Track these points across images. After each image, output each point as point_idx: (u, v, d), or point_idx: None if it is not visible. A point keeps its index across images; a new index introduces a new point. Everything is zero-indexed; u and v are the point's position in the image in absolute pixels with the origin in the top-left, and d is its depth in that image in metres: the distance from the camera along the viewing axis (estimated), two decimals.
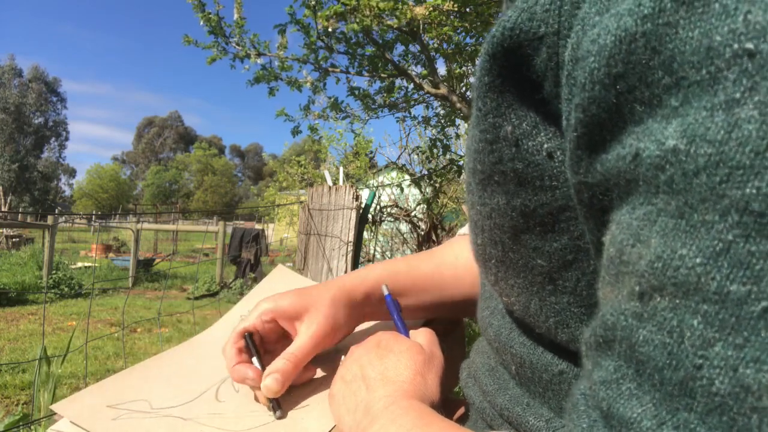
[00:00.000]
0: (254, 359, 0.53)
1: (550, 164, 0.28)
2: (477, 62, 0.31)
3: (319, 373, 0.56)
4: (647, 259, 0.19)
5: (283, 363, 0.51)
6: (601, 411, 0.20)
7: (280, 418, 0.50)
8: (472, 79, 3.60)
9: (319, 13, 2.79)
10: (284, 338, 0.56)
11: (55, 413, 0.50)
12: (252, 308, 0.56)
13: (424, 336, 0.51)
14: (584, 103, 0.22)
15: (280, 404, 0.51)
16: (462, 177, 3.94)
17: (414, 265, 0.61)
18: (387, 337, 0.50)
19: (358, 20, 2.63)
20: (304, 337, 0.53)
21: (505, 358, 0.40)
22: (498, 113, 0.29)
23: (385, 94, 3.63)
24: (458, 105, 3.18)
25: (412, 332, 0.53)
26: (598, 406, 0.21)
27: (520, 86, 0.28)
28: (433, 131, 3.95)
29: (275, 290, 0.77)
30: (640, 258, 0.19)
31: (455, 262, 0.61)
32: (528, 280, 0.33)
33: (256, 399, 0.54)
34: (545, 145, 0.28)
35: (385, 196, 3.79)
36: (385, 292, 0.56)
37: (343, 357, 0.51)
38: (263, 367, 0.52)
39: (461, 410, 0.54)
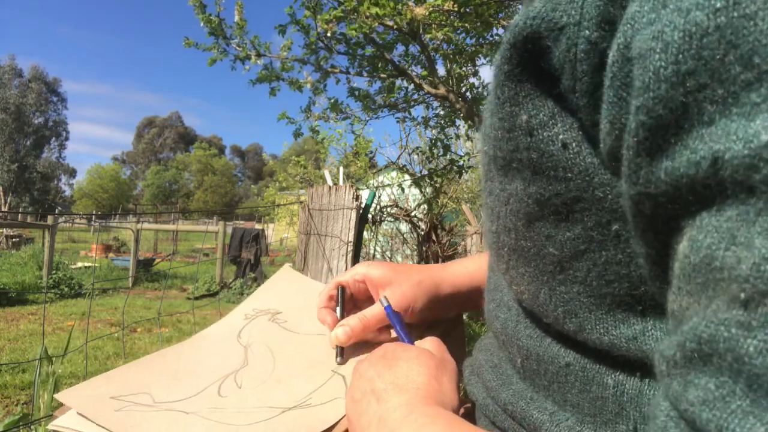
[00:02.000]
0: (338, 308, 0.61)
1: (564, 155, 0.28)
2: (498, 52, 0.31)
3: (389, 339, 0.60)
4: (750, 261, 0.17)
5: (354, 321, 0.57)
6: None
7: (340, 363, 0.57)
8: (472, 80, 3.60)
9: (318, 16, 2.80)
10: (370, 300, 0.61)
11: (54, 413, 0.51)
12: (349, 270, 0.63)
13: (431, 343, 0.49)
14: (649, 104, 0.21)
15: (344, 353, 0.58)
16: (462, 177, 3.94)
17: None
18: (392, 347, 0.47)
19: (357, 26, 2.64)
20: (379, 305, 0.57)
21: (511, 351, 0.39)
22: (515, 102, 0.29)
23: (385, 95, 3.64)
24: (458, 105, 3.18)
25: (417, 342, 0.52)
26: (704, 430, 0.18)
27: (538, 77, 0.28)
28: (433, 131, 3.96)
29: (281, 289, 0.78)
30: (740, 262, 0.18)
31: None
32: (539, 268, 0.33)
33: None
34: (560, 136, 0.28)
35: (385, 196, 3.79)
36: (385, 304, 0.56)
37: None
38: (342, 318, 0.59)
39: (461, 411, 0.55)
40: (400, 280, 0.58)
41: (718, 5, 0.18)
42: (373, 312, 0.57)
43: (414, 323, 0.60)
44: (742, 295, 0.17)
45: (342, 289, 0.61)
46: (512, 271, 0.35)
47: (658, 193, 0.22)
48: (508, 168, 0.31)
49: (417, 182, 3.62)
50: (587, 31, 0.25)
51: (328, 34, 2.88)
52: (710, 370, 0.19)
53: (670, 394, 0.21)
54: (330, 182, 2.28)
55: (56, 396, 0.50)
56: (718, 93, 0.19)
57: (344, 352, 0.58)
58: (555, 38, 0.26)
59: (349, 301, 0.62)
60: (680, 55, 0.19)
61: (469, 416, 0.47)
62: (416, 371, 0.42)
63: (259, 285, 0.80)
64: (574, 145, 0.28)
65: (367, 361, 0.46)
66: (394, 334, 0.59)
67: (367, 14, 2.54)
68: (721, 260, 0.19)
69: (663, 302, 0.24)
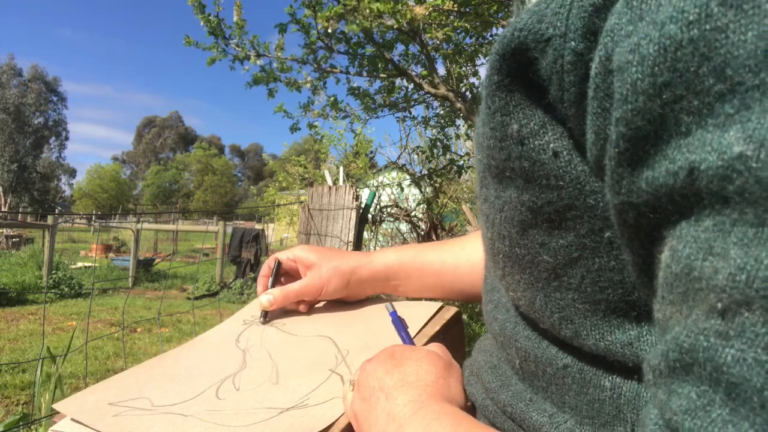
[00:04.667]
0: (270, 279, 0.71)
1: (555, 163, 0.28)
2: (487, 61, 0.31)
3: (315, 314, 0.72)
4: (726, 272, 0.18)
5: (277, 291, 0.69)
6: None
7: (263, 323, 0.69)
8: (472, 80, 3.60)
9: (319, 14, 2.79)
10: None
11: (55, 413, 0.51)
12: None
13: (437, 347, 0.51)
14: (628, 116, 0.21)
15: (267, 316, 0.70)
16: (462, 177, 3.94)
17: (421, 251, 0.69)
18: (400, 348, 0.48)
19: (357, 21, 2.63)
20: (299, 283, 0.69)
21: (509, 353, 0.40)
22: (505, 112, 0.29)
23: (385, 94, 3.64)
24: (458, 105, 3.18)
25: (423, 346, 0.52)
26: None
27: (527, 87, 0.28)
28: (433, 131, 3.96)
29: None
30: (717, 272, 0.18)
31: (459, 254, 0.66)
32: (534, 275, 0.33)
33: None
34: (551, 145, 0.28)
35: (385, 196, 3.79)
36: (390, 310, 0.60)
37: (350, 380, 0.50)
38: (272, 288, 0.70)
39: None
40: (321, 264, 0.68)
41: (691, 18, 0.19)
42: (294, 287, 0.69)
43: (332, 299, 0.72)
44: (720, 305, 0.18)
45: (278, 263, 0.72)
46: (508, 277, 0.35)
47: (640, 202, 0.22)
48: (502, 176, 0.32)
49: (417, 182, 3.62)
50: (573, 43, 0.25)
51: (329, 30, 2.87)
52: (692, 380, 0.19)
53: (657, 403, 0.21)
54: (330, 182, 2.28)
55: (54, 406, 0.50)
56: (694, 104, 0.19)
57: (268, 315, 0.70)
58: (542, 50, 0.26)
59: (287, 275, 0.73)
60: (656, 68, 0.20)
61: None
62: (425, 369, 0.44)
63: None
64: (564, 153, 0.28)
65: (375, 360, 0.47)
66: (323, 304, 0.72)
67: (368, 9, 2.54)
68: (699, 270, 0.19)
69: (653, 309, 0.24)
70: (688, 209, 0.20)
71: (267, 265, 0.73)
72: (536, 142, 0.29)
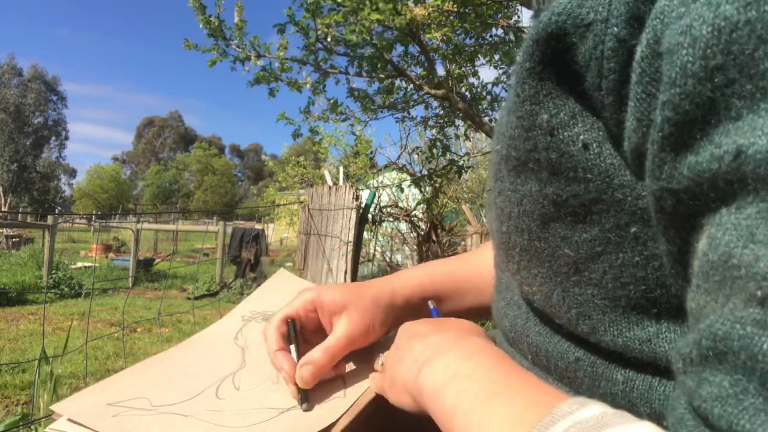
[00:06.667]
0: (292, 347, 0.53)
1: (585, 156, 0.28)
2: (521, 47, 0.30)
3: (349, 369, 0.55)
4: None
5: (318, 355, 0.50)
6: (720, 430, 0.18)
7: (306, 410, 0.50)
8: (471, 80, 3.60)
9: (318, 20, 2.81)
10: (322, 330, 0.55)
11: (53, 415, 0.50)
12: (295, 295, 0.55)
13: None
14: (675, 100, 0.21)
15: (308, 397, 0.50)
16: (462, 177, 3.95)
17: (454, 267, 0.60)
18: (436, 320, 0.47)
19: (357, 29, 2.65)
20: (339, 333, 0.52)
21: (521, 348, 0.39)
22: (535, 100, 0.29)
23: (384, 95, 3.64)
24: (457, 105, 3.18)
25: None
26: (715, 426, 0.18)
27: (560, 75, 0.28)
28: (433, 131, 3.96)
29: (278, 293, 0.77)
30: (758, 260, 0.18)
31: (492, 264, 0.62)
32: (553, 269, 0.32)
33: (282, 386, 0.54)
34: (581, 137, 0.28)
35: (385, 196, 3.80)
36: (431, 306, 0.56)
37: (380, 355, 0.49)
38: (299, 357, 0.52)
39: None
40: (354, 302, 0.53)
41: None
42: (335, 340, 0.51)
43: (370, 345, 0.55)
44: (759, 293, 0.17)
45: (293, 322, 0.54)
46: (524, 271, 0.35)
47: (680, 188, 0.21)
48: (523, 168, 0.31)
49: (417, 182, 3.62)
50: (615, 29, 0.24)
51: (328, 38, 2.89)
52: (725, 368, 0.18)
53: (686, 391, 0.21)
54: (330, 182, 2.28)
55: (52, 407, 0.50)
56: (747, 88, 0.18)
57: (309, 396, 0.50)
58: (581, 35, 0.26)
59: (298, 334, 0.55)
60: (708, 50, 0.19)
61: None
62: (466, 329, 0.43)
63: (258, 285, 0.80)
64: (594, 145, 0.28)
65: (408, 336, 0.43)
66: (351, 366, 0.55)
67: (367, 19, 2.55)
68: (738, 258, 0.18)
69: (683, 302, 0.24)
70: (730, 196, 0.19)
71: (276, 335, 0.54)
72: (566, 133, 0.28)
